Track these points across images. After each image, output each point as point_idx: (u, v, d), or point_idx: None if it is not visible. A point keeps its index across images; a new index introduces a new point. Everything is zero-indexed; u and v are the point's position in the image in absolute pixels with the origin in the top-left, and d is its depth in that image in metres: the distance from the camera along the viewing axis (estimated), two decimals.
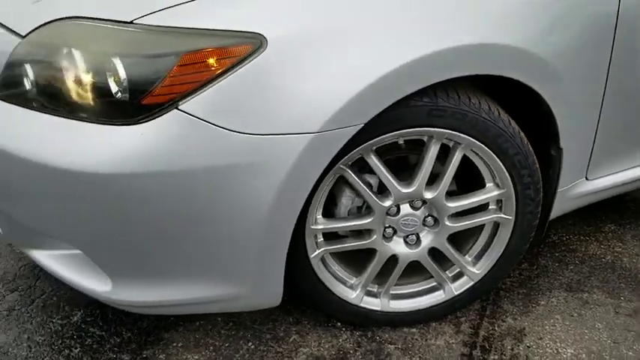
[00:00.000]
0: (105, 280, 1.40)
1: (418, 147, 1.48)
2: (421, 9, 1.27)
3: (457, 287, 1.66)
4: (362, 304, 1.62)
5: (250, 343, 1.65)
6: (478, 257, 1.66)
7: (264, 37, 1.19)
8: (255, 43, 1.19)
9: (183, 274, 1.36)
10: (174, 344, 1.65)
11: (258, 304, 1.46)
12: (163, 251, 1.32)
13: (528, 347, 1.65)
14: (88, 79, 1.22)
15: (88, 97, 1.23)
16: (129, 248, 1.31)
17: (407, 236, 1.57)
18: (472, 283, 1.66)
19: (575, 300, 1.82)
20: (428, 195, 1.49)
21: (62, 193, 1.28)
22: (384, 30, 1.25)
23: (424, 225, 1.56)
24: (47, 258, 1.49)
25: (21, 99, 1.32)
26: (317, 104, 1.22)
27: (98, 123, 1.23)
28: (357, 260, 1.62)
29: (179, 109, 1.19)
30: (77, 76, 1.23)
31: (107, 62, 1.20)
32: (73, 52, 1.23)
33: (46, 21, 1.28)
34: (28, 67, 1.29)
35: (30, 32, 1.29)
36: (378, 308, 1.64)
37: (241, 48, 1.19)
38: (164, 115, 1.19)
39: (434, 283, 1.68)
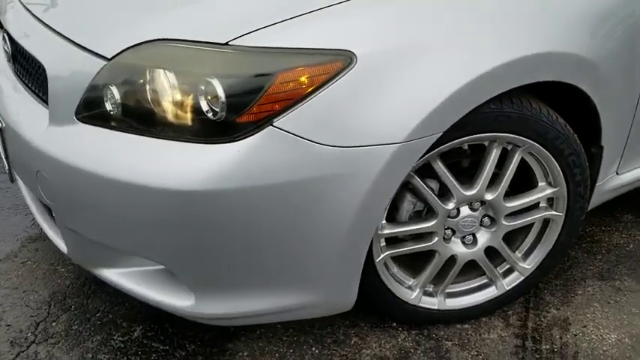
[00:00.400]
0: (187, 295, 1.42)
1: (473, 150, 1.55)
2: (497, 21, 1.35)
3: (508, 283, 1.74)
4: (420, 304, 1.68)
5: (314, 348, 1.70)
6: (528, 253, 1.74)
7: (354, 54, 1.24)
8: (345, 60, 1.24)
9: (266, 284, 1.40)
10: (240, 354, 1.68)
11: (334, 309, 1.51)
12: (248, 264, 1.36)
13: (575, 335, 1.75)
14: (183, 99, 1.25)
15: (184, 117, 1.25)
16: (215, 262, 1.35)
17: (464, 237, 1.65)
18: (522, 277, 1.74)
19: (609, 288, 1.93)
20: (488, 196, 1.57)
21: (153, 212, 1.30)
22: (462, 42, 1.31)
23: (481, 225, 1.64)
24: (119, 276, 1.51)
25: (105, 120, 1.33)
26: (401, 116, 1.28)
27: (192, 142, 1.26)
28: (412, 262, 1.68)
29: (274, 126, 1.23)
30: (172, 97, 1.26)
31: (205, 83, 1.23)
32: (167, 73, 1.25)
33: (134, 43, 1.29)
34: (114, 89, 1.30)
35: (117, 55, 1.30)
36: (435, 307, 1.71)
37: (332, 65, 1.24)
38: (260, 132, 1.23)
39: (485, 280, 1.75)
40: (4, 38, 1.82)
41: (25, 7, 1.62)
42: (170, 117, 1.26)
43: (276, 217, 1.30)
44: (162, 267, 1.46)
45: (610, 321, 1.80)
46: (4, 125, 1.58)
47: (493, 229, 1.64)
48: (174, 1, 1.38)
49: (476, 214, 1.61)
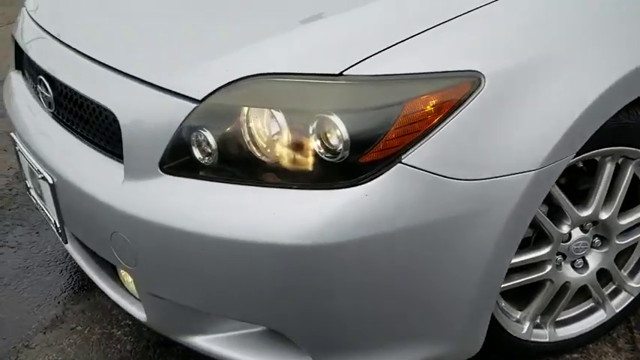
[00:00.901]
0: (301, 357, 1.25)
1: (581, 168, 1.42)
2: (623, 29, 1.22)
3: (617, 305, 1.61)
4: (532, 339, 1.54)
5: None
6: (634, 271, 1.61)
7: (482, 74, 1.10)
8: (473, 82, 1.09)
9: (389, 339, 1.24)
10: None
11: (462, 355, 1.35)
12: (372, 318, 1.20)
13: None
14: (295, 141, 1.09)
15: (298, 161, 1.09)
16: (334, 320, 1.18)
17: (574, 261, 1.51)
18: (632, 297, 1.61)
19: None
20: (603, 215, 1.43)
21: (263, 271, 1.13)
22: (592, 49, 1.18)
23: (592, 247, 1.50)
24: (211, 343, 1.33)
25: (196, 170, 1.16)
26: (535, 140, 1.14)
27: (308, 188, 1.10)
28: (516, 294, 1.54)
29: (403, 163, 1.08)
30: (280, 140, 1.10)
31: (321, 121, 1.07)
32: (275, 113, 1.09)
33: (229, 81, 1.12)
34: (208, 135, 1.13)
35: (209, 95, 1.13)
36: (546, 339, 1.56)
37: (460, 89, 1.09)
38: (388, 172, 1.08)
39: (592, 304, 1.62)
40: (29, 78, 1.64)
41: (62, 42, 1.44)
42: (281, 162, 1.10)
43: (403, 266, 1.14)
44: (263, 328, 1.30)
45: None
46: (55, 181, 1.39)
47: (605, 250, 1.51)
48: (262, 29, 1.21)
49: (587, 235, 1.47)
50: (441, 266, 1.16)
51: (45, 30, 1.55)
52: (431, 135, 1.08)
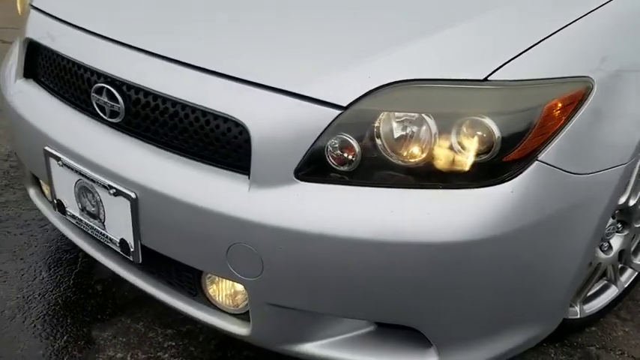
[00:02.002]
0: (422, 352, 1.30)
1: None
2: None
3: (625, 280, 1.85)
4: (569, 316, 1.72)
5: None
6: (636, 250, 1.86)
7: (592, 80, 1.24)
8: (586, 86, 1.23)
9: (505, 326, 1.34)
10: None
11: (546, 334, 1.48)
12: (494, 307, 1.29)
13: None
14: (447, 143, 1.14)
15: (448, 162, 1.15)
16: (468, 312, 1.25)
17: (601, 244, 1.71)
18: (636, 273, 1.86)
19: None
20: (631, 202, 1.65)
21: (409, 270, 1.17)
22: None
23: (616, 231, 1.72)
24: (322, 348, 1.34)
25: (338, 175, 1.17)
26: (626, 136, 1.31)
27: (456, 188, 1.16)
28: None
29: (539, 161, 1.18)
30: (431, 142, 1.15)
31: (473, 124, 1.14)
32: (425, 117, 1.14)
33: (374, 87, 1.15)
34: (353, 141, 1.15)
35: (354, 101, 1.15)
36: (577, 316, 1.75)
37: (578, 93, 1.22)
38: (528, 169, 1.17)
39: (605, 282, 1.84)
40: (64, 86, 1.51)
41: (132, 47, 1.35)
42: (429, 164, 1.15)
43: (526, 256, 1.25)
44: (372, 328, 1.33)
45: None
46: (139, 195, 1.31)
47: (625, 233, 1.73)
48: (398, 35, 1.24)
49: (614, 220, 1.68)
50: (555, 254, 1.29)
51: (93, 32, 1.44)
52: (559, 135, 1.20)
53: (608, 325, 1.86)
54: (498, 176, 1.16)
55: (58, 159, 1.46)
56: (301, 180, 1.18)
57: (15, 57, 1.79)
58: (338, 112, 1.15)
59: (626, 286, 1.84)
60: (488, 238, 1.14)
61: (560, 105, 1.19)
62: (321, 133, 1.16)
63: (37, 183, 1.82)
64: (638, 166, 1.55)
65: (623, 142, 1.30)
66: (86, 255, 1.94)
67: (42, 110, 1.54)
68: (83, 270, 1.95)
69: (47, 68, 1.57)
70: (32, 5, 1.70)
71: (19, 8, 1.92)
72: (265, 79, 1.19)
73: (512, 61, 1.18)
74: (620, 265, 1.84)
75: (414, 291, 1.19)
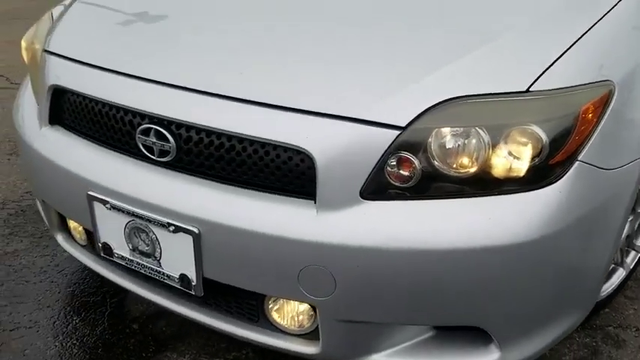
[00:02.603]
0: (484, 350, 1.39)
1: None
2: None
3: (630, 262, 2.00)
4: None
5: None
6: (638, 232, 2.02)
7: (613, 83, 1.37)
8: (610, 89, 1.36)
9: (553, 316, 1.44)
10: None
11: (582, 320, 1.59)
12: (547, 300, 1.39)
13: None
14: (499, 152, 1.24)
15: (503, 170, 1.24)
16: (532, 308, 1.35)
17: None
18: (639, 255, 2.02)
19: None
20: None
21: (476, 273, 1.26)
22: None
23: None
24: (389, 357, 1.41)
25: (402, 191, 1.25)
26: None
27: (511, 193, 1.26)
28: None
29: (579, 160, 1.30)
30: (485, 152, 1.24)
31: (522, 132, 1.24)
32: (479, 130, 1.24)
33: (429, 106, 1.24)
34: (412, 157, 1.24)
35: (412, 121, 1.23)
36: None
37: (604, 96, 1.35)
38: (571, 169, 1.29)
39: (613, 265, 1.98)
40: (100, 129, 1.54)
41: (185, 87, 1.40)
42: (485, 172, 1.24)
43: (578, 247, 1.36)
44: (432, 334, 1.41)
45: None
46: (201, 230, 1.35)
47: (630, 219, 1.88)
48: (440, 54, 1.33)
49: None
50: (594, 244, 1.40)
51: (131, 74, 1.47)
52: (592, 135, 1.31)
53: (619, 306, 2.00)
54: (547, 178, 1.26)
55: (105, 202, 1.47)
56: (366, 199, 1.25)
57: (29, 104, 1.79)
58: (397, 132, 1.23)
59: (631, 267, 1.99)
60: (544, 236, 1.25)
61: (592, 108, 1.31)
62: (383, 154, 1.23)
63: (64, 228, 1.82)
64: None
65: (639, 136, 1.43)
66: (113, 295, 1.96)
67: (78, 156, 1.55)
68: (114, 311, 1.95)
69: (78, 113, 1.59)
70: (48, 50, 1.71)
71: (24, 55, 1.91)
72: (327, 108, 1.26)
73: (546, 72, 1.29)
74: (626, 248, 1.99)
75: (480, 293, 1.28)
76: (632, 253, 2.01)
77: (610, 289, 1.93)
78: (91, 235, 1.69)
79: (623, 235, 1.86)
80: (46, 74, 1.66)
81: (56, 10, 1.93)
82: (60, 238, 1.82)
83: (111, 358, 1.75)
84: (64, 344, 1.80)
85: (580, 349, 1.82)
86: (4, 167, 2.89)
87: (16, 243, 2.30)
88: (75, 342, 1.81)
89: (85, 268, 2.11)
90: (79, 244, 1.80)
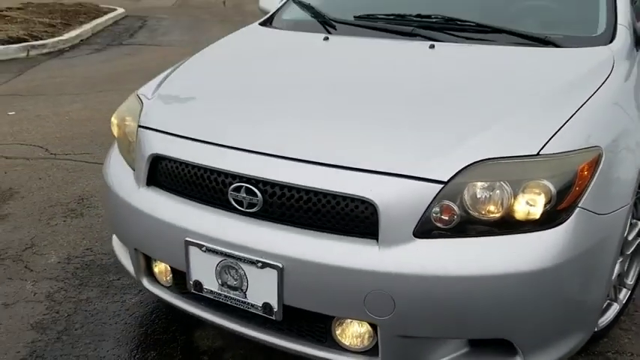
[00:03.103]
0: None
1: None
2: None
3: (622, 298, 2.36)
4: None
5: None
6: (627, 272, 2.39)
7: (601, 148, 1.78)
8: (599, 153, 1.77)
9: (565, 332, 1.79)
10: None
11: (586, 340, 1.94)
12: (560, 318, 1.75)
13: None
14: (522, 201, 1.63)
15: (528, 214, 1.63)
16: (548, 322, 1.71)
17: None
18: (629, 291, 2.38)
19: None
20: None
21: (506, 294, 1.63)
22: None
23: None
24: None
25: (444, 231, 1.63)
26: (626, 183, 1.85)
27: (528, 232, 1.64)
28: None
29: (579, 207, 1.69)
30: (509, 201, 1.63)
31: (537, 186, 1.63)
32: (503, 184, 1.63)
33: (464, 166, 1.64)
34: (453, 205, 1.62)
35: (451, 178, 1.63)
36: (595, 329, 2.23)
37: (595, 159, 1.75)
38: (574, 214, 1.68)
39: (608, 301, 2.34)
40: (197, 188, 1.91)
41: (270, 154, 1.78)
42: (511, 216, 1.63)
43: (579, 275, 1.73)
44: (467, 349, 1.76)
45: None
46: (284, 265, 1.71)
47: (620, 260, 2.26)
48: (469, 124, 1.76)
49: None
50: (593, 274, 1.78)
51: (226, 145, 1.86)
52: (588, 187, 1.71)
53: (615, 336, 2.35)
54: (555, 220, 1.65)
55: (200, 246, 1.83)
56: (417, 238, 1.63)
57: (119, 169, 2.18)
58: (441, 186, 1.62)
59: (624, 302, 2.35)
60: (555, 265, 1.62)
61: (587, 167, 1.71)
62: (430, 203, 1.62)
63: (150, 273, 2.16)
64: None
65: (625, 188, 1.83)
66: (182, 333, 2.28)
67: (175, 210, 1.92)
68: (185, 346, 2.26)
69: (175, 176, 1.96)
70: (143, 126, 2.10)
71: (114, 130, 2.30)
72: (387, 168, 1.65)
73: (551, 140, 1.70)
74: (619, 287, 2.36)
75: (506, 310, 1.64)
76: (624, 290, 2.38)
77: (607, 321, 2.28)
78: (176, 276, 2.04)
79: (615, 274, 2.23)
80: (144, 145, 2.05)
81: (141, 92, 2.34)
82: (145, 282, 2.16)
83: None
84: None
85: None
86: (62, 228, 3.24)
87: (87, 292, 2.62)
88: None
89: (153, 311, 2.45)
90: (163, 285, 2.13)
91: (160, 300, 2.20)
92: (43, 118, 5.44)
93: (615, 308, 2.33)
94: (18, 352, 2.23)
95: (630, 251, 2.30)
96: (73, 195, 3.68)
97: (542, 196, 1.64)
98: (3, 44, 8.69)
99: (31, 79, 7.19)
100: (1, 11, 11.89)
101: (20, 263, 2.86)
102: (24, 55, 8.73)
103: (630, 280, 2.38)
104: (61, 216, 3.39)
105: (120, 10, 14.43)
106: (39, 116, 5.48)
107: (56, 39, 9.58)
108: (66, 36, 9.96)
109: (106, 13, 13.55)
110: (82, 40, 10.43)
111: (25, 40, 9.08)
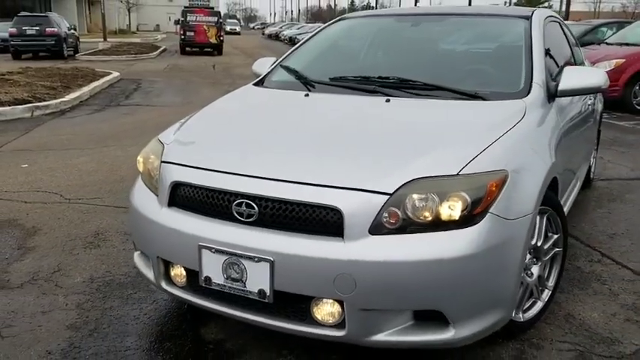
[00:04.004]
0: (444, 330, 2.33)
1: None
2: (537, 151, 2.70)
3: (544, 297, 2.97)
4: (517, 321, 2.80)
5: None
6: (548, 276, 3.01)
7: (507, 171, 2.43)
8: (506, 175, 2.42)
9: (487, 308, 2.39)
10: None
11: (506, 321, 2.53)
12: (481, 296, 2.35)
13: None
14: (446, 208, 2.26)
15: (446, 217, 2.26)
16: (474, 298, 2.31)
17: (527, 272, 2.85)
18: (550, 292, 3.00)
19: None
20: (539, 243, 2.82)
21: (439, 274, 2.23)
22: (540, 157, 2.62)
23: (533, 263, 2.87)
24: (387, 336, 2.33)
25: (388, 230, 2.25)
26: (529, 198, 2.50)
27: (451, 229, 2.27)
28: None
29: (490, 212, 2.33)
30: (436, 208, 2.26)
31: (458, 196, 2.27)
32: (432, 195, 2.27)
33: (404, 182, 2.27)
34: (397, 210, 2.25)
35: (397, 189, 2.26)
36: (521, 320, 2.83)
37: (502, 178, 2.39)
38: (486, 217, 2.31)
39: (533, 299, 2.95)
40: (209, 206, 2.52)
41: (262, 177, 2.42)
42: (437, 219, 2.25)
43: (492, 263, 2.35)
44: (413, 322, 2.35)
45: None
46: (274, 259, 2.31)
47: (539, 264, 2.88)
48: (410, 152, 2.41)
49: (531, 256, 2.83)
50: (503, 265, 2.39)
51: (226, 172, 2.49)
52: (497, 198, 2.35)
53: (540, 327, 2.94)
54: (472, 222, 2.28)
55: (211, 249, 2.43)
56: (372, 235, 2.24)
57: (143, 196, 2.79)
58: (388, 197, 2.25)
59: (546, 300, 2.96)
60: (471, 254, 2.23)
61: (495, 184, 2.36)
62: (381, 209, 2.25)
63: (167, 277, 2.74)
64: (537, 218, 2.73)
65: (527, 201, 2.48)
66: (191, 330, 2.84)
67: (191, 222, 2.52)
68: (194, 338, 2.82)
69: (190, 197, 2.58)
70: (165, 161, 2.73)
71: (140, 166, 2.92)
72: (349, 184, 2.28)
73: (469, 164, 2.35)
74: (540, 288, 2.97)
75: (436, 286, 2.24)
76: (546, 291, 2.99)
77: (532, 315, 2.88)
78: (189, 278, 2.62)
79: (536, 276, 2.85)
80: (166, 175, 2.67)
81: (160, 137, 2.99)
82: (164, 284, 2.73)
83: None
84: (165, 357, 2.66)
85: (513, 351, 2.74)
86: (83, 256, 3.80)
87: (110, 302, 3.18)
88: (171, 356, 2.67)
89: (166, 315, 3.02)
90: (177, 286, 2.71)
91: (175, 298, 2.77)
92: (54, 169, 6.04)
93: (539, 305, 2.93)
94: (58, 345, 2.76)
95: (547, 258, 2.92)
96: (89, 231, 4.25)
97: (461, 203, 2.27)
98: (10, 105, 9.37)
99: (39, 137, 7.83)
100: (3, 75, 12.64)
101: (51, 283, 3.41)
102: (29, 115, 9.41)
103: (550, 283, 3.00)
104: (81, 247, 3.96)
105: (115, 74, 15.26)
106: (50, 168, 6.07)
107: (58, 100, 10.28)
108: (67, 98, 10.68)
109: (102, 76, 14.33)
110: (81, 102, 11.15)
111: (30, 102, 9.77)
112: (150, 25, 74.25)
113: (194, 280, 2.56)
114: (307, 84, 3.41)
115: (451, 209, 2.27)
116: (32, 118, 9.35)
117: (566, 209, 3.71)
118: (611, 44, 11.65)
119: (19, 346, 2.75)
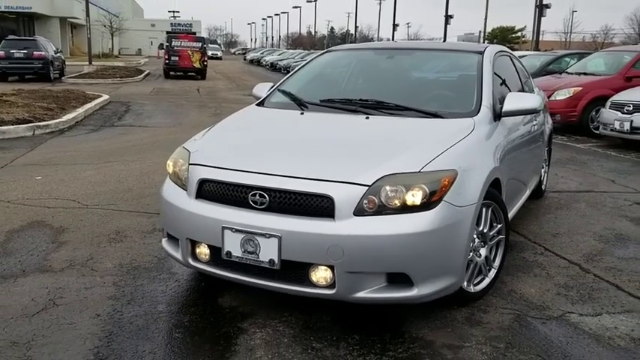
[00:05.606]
0: (409, 289, 3.09)
1: None
2: (483, 154, 3.53)
3: (490, 275, 3.76)
4: (469, 291, 3.57)
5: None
6: (495, 256, 3.81)
7: (457, 170, 3.23)
8: (456, 173, 3.21)
9: (442, 273, 3.16)
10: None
11: (458, 286, 3.30)
12: (437, 263, 3.12)
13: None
14: (410, 196, 3.04)
15: (413, 203, 3.04)
16: (431, 264, 3.09)
17: (476, 252, 3.64)
18: (495, 270, 3.79)
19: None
20: (485, 229, 3.62)
21: (406, 244, 3.00)
22: (483, 159, 3.44)
23: (481, 245, 3.66)
24: (366, 293, 3.08)
25: (367, 212, 3.02)
26: (474, 191, 3.29)
27: (417, 211, 3.05)
28: None
29: (444, 200, 3.11)
30: (403, 196, 3.04)
31: (419, 188, 3.05)
32: (400, 187, 3.05)
33: (380, 177, 3.05)
34: (374, 198, 3.03)
35: (373, 183, 3.04)
36: (472, 291, 3.61)
37: (453, 175, 3.19)
38: (440, 203, 3.09)
39: (482, 276, 3.74)
40: (230, 197, 3.27)
41: (273, 174, 3.18)
42: (404, 204, 3.03)
43: (445, 238, 3.13)
44: (386, 284, 3.11)
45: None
46: (282, 235, 3.06)
47: (485, 247, 3.66)
48: (384, 156, 3.19)
49: (479, 240, 3.61)
50: (453, 240, 3.17)
51: (238, 169, 3.24)
52: (449, 190, 3.14)
53: (487, 298, 3.71)
54: (430, 206, 3.06)
55: (232, 229, 3.17)
56: (355, 216, 3.01)
57: (173, 192, 3.53)
58: (367, 187, 3.03)
59: (492, 277, 3.74)
60: (429, 230, 3.01)
61: (447, 180, 3.14)
62: (362, 197, 3.02)
63: (193, 254, 3.46)
64: (483, 209, 3.52)
65: (472, 193, 3.27)
66: (210, 301, 3.55)
67: (215, 211, 3.25)
68: (213, 305, 3.53)
69: (214, 191, 3.32)
70: (192, 163, 3.48)
71: (169, 169, 3.67)
72: (339, 178, 3.05)
73: (428, 164, 3.14)
74: (487, 267, 3.76)
75: (403, 254, 3.00)
76: (492, 270, 3.77)
77: (481, 288, 3.65)
78: (212, 254, 3.36)
79: (483, 256, 3.64)
80: (194, 174, 3.41)
81: (185, 145, 3.74)
82: (190, 260, 3.45)
83: (216, 326, 3.33)
84: (189, 324, 3.37)
85: (465, 314, 3.50)
86: (109, 249, 4.49)
87: (140, 281, 3.88)
88: (194, 321, 3.39)
89: (188, 289, 3.73)
90: (202, 261, 3.44)
91: (199, 271, 3.49)
92: (66, 181, 6.70)
93: (487, 281, 3.70)
94: (104, 309, 3.46)
95: (493, 243, 3.71)
96: (111, 230, 4.94)
97: (421, 193, 3.06)
98: (13, 124, 10.00)
99: (45, 153, 8.47)
100: (0, 97, 13.23)
101: (87, 267, 4.10)
102: (30, 133, 10.03)
103: (496, 263, 3.78)
104: (106, 242, 4.65)
105: (105, 97, 15.91)
106: (62, 180, 6.73)
107: (57, 120, 10.93)
108: (64, 118, 11.33)
109: (92, 99, 14.98)
110: (77, 122, 11.79)
111: (30, 122, 10.40)
112: (132, 49, 74.96)
113: (216, 255, 3.29)
114: (302, 105, 4.21)
115: (414, 197, 3.05)
116: (34, 136, 9.97)
117: (514, 210, 4.53)
118: (571, 73, 12.68)
119: (72, 310, 3.44)
